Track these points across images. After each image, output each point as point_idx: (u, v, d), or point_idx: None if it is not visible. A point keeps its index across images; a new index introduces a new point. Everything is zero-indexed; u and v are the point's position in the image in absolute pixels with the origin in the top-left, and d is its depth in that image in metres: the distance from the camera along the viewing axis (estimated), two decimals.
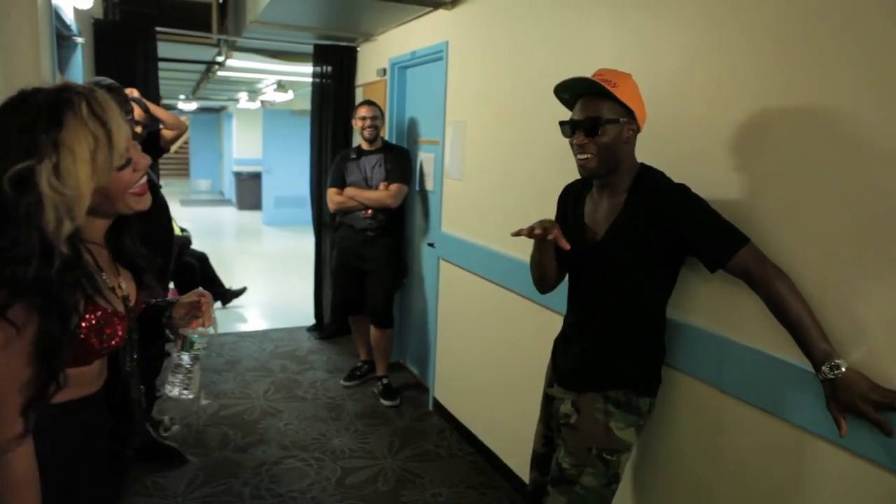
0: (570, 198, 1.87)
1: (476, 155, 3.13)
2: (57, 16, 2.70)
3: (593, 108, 1.60)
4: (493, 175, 2.97)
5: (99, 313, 1.10)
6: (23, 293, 0.93)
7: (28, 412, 0.99)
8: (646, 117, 1.68)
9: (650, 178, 1.66)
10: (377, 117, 3.74)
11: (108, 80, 2.57)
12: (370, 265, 3.80)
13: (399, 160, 3.73)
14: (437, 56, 3.53)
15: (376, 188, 3.70)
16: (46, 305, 0.96)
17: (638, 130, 1.66)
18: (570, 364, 1.79)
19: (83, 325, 1.07)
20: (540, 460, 1.96)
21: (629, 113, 1.61)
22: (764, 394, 1.58)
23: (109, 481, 1.27)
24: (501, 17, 2.85)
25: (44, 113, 0.95)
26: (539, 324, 2.60)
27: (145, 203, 1.15)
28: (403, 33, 3.99)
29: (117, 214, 1.16)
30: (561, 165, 2.43)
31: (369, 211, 3.70)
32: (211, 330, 1.34)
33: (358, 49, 4.77)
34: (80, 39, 3.30)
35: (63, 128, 0.94)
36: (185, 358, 1.30)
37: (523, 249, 2.72)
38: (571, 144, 1.67)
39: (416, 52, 3.77)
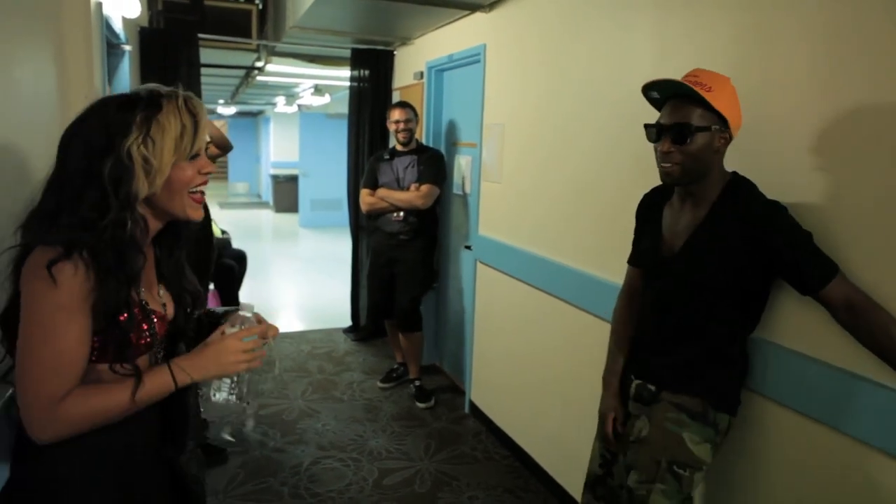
0: (645, 208, 1.79)
1: (514, 157, 3.12)
2: (107, 25, 2.79)
3: (683, 114, 1.49)
4: (531, 177, 2.96)
5: (136, 310, 1.13)
6: (76, 252, 1.01)
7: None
8: (741, 125, 1.56)
9: (741, 190, 1.54)
10: (411, 120, 3.73)
11: (165, 89, 2.67)
12: (400, 268, 3.80)
13: (431, 161, 3.72)
14: (474, 59, 3.54)
15: (408, 189, 3.69)
16: (117, 265, 1.05)
17: (731, 139, 1.54)
18: (645, 373, 1.70)
19: (122, 316, 1.09)
20: (595, 482, 1.85)
21: (722, 120, 1.49)
22: (864, 423, 1.45)
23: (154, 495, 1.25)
24: (539, 19, 2.84)
25: (145, 99, 1.10)
26: (577, 326, 2.58)
27: (199, 213, 1.19)
28: (440, 37, 4.00)
29: (170, 217, 1.18)
30: (599, 167, 2.41)
31: (400, 213, 3.69)
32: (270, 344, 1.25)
33: (395, 53, 4.80)
34: (127, 47, 3.40)
35: (160, 110, 1.09)
36: None
37: (561, 252, 2.71)
38: (655, 149, 1.57)
39: (453, 56, 3.78)
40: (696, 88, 1.46)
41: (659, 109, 1.60)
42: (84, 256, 1.01)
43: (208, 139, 3.00)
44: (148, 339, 1.15)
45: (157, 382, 1.10)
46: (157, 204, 1.14)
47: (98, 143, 1.05)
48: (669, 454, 1.57)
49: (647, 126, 1.58)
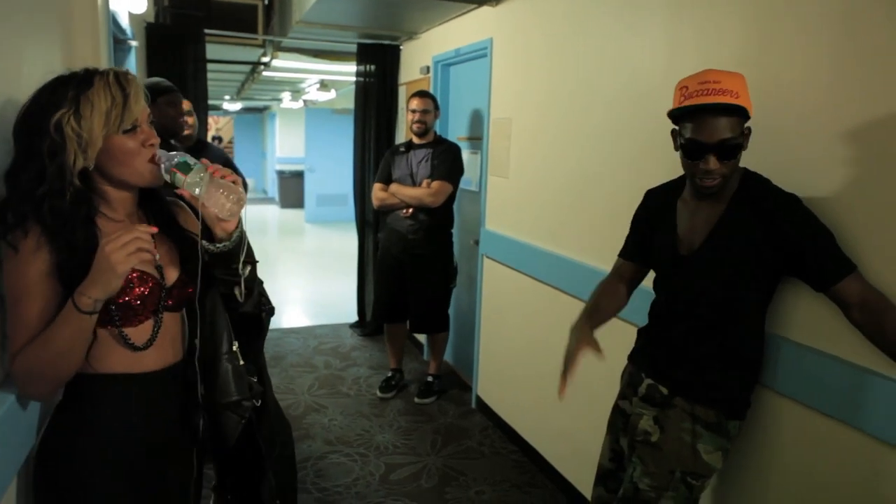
0: (655, 205, 1.76)
1: (520, 152, 3.11)
2: (114, 20, 2.79)
3: (722, 127, 1.44)
4: (536, 172, 2.95)
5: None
6: (29, 222, 1.11)
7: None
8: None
9: (756, 184, 1.54)
10: (428, 111, 3.56)
11: (166, 83, 2.74)
12: (412, 270, 3.63)
13: (446, 156, 3.52)
14: (481, 53, 3.52)
15: (420, 185, 3.56)
16: (59, 235, 1.13)
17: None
18: (658, 374, 1.68)
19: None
20: (606, 476, 1.86)
21: (747, 117, 1.48)
22: (873, 418, 1.44)
23: (158, 473, 1.33)
24: (546, 13, 2.82)
25: (79, 77, 1.17)
26: None
27: (158, 176, 1.22)
28: (447, 31, 3.99)
29: (131, 186, 1.25)
30: (603, 161, 2.40)
31: (409, 210, 3.54)
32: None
33: (401, 47, 4.79)
34: (134, 43, 3.39)
35: (90, 87, 1.15)
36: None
37: (567, 246, 2.70)
38: (692, 166, 1.50)
39: (459, 50, 3.76)
40: (729, 99, 1.42)
41: (674, 121, 1.55)
42: (29, 223, 1.11)
43: (188, 131, 3.16)
44: (137, 302, 1.20)
45: (64, 314, 1.11)
46: (112, 175, 1.21)
47: (35, 122, 1.13)
48: (683, 465, 1.58)
49: (689, 144, 1.49)
